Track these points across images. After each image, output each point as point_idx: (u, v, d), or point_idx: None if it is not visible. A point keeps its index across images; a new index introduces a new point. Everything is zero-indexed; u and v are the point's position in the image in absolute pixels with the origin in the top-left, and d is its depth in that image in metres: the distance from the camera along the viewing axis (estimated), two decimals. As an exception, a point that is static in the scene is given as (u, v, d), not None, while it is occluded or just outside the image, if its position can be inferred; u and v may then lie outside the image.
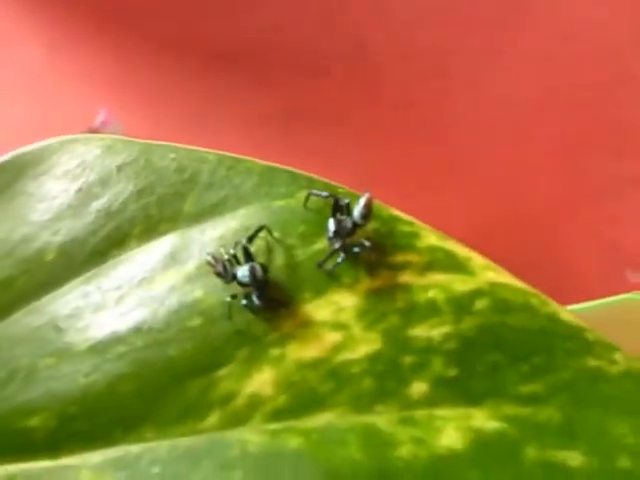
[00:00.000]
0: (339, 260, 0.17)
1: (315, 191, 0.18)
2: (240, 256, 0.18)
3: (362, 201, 0.18)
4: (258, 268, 0.18)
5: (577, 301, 0.42)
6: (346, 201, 0.18)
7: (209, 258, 0.18)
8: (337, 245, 0.17)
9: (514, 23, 0.55)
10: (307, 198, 0.18)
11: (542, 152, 0.48)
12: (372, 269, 0.17)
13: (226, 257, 0.18)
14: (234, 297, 0.17)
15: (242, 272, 0.18)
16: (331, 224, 0.18)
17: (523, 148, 0.49)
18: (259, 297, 0.17)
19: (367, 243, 0.18)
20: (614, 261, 0.44)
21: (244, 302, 0.17)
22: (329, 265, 0.17)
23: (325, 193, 0.18)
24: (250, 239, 0.18)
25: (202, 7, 0.56)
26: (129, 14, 0.55)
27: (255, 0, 0.56)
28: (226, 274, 0.18)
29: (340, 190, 0.19)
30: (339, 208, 0.18)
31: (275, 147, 0.49)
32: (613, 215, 0.46)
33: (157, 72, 0.52)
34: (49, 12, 0.55)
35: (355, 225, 0.18)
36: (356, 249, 0.18)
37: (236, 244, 0.18)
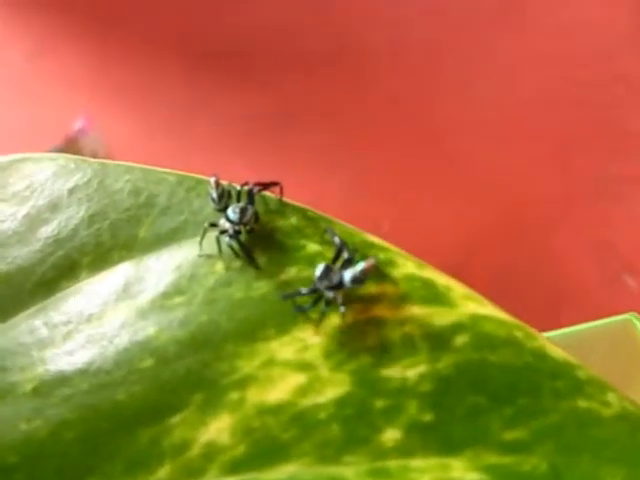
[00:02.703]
0: (307, 306, 0.16)
1: (330, 232, 0.17)
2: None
3: (362, 265, 0.16)
4: (251, 212, 0.17)
5: (572, 304, 0.41)
6: (351, 256, 0.16)
7: (212, 179, 0.17)
8: (317, 287, 0.16)
9: (508, 22, 0.53)
10: (323, 232, 0.17)
11: (536, 152, 0.47)
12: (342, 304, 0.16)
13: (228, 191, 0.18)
14: (213, 225, 0.17)
15: (234, 208, 0.17)
16: (319, 269, 0.16)
17: (517, 147, 0.47)
18: (238, 240, 0.17)
19: (343, 309, 0.16)
20: (609, 262, 0.43)
21: (227, 239, 0.17)
22: (304, 305, 0.16)
23: (337, 239, 0.17)
24: (261, 188, 0.18)
25: (187, 7, 0.54)
26: (113, 17, 0.54)
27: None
28: (219, 201, 0.17)
29: (309, 213, 0.17)
30: (341, 259, 0.16)
31: (265, 146, 0.48)
32: (607, 216, 0.45)
33: (141, 73, 0.51)
34: (31, 16, 0.54)
35: (342, 284, 0.16)
36: (324, 308, 0.16)
37: (244, 184, 0.18)
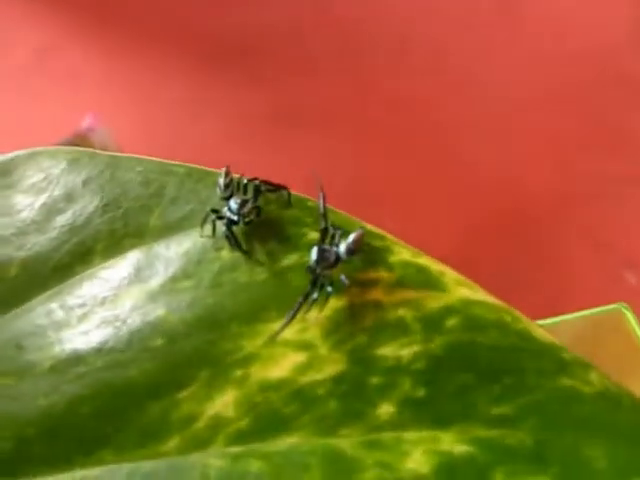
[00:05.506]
0: (314, 296, 0.17)
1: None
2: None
3: (351, 237, 0.17)
4: (251, 205, 0.18)
5: (572, 301, 0.42)
6: (338, 231, 0.18)
7: (224, 169, 0.18)
8: (317, 271, 0.17)
9: (508, 21, 0.54)
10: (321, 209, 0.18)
11: (536, 151, 0.48)
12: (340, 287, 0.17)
13: (236, 182, 0.18)
14: (215, 211, 0.18)
15: (235, 199, 0.18)
16: (314, 253, 0.17)
17: (517, 146, 0.48)
18: (230, 229, 0.17)
19: (345, 281, 0.17)
20: (608, 261, 0.43)
21: (224, 229, 0.17)
22: (308, 301, 0.17)
23: (323, 220, 0.18)
24: (269, 188, 0.18)
25: (193, 7, 0.55)
26: (120, 15, 0.55)
27: None
28: (225, 190, 0.18)
29: (309, 203, 0.18)
30: (327, 236, 0.17)
31: (268, 145, 0.49)
32: (606, 215, 0.45)
33: (148, 72, 0.52)
34: (38, 13, 0.55)
35: (338, 258, 0.17)
36: (329, 288, 0.17)
37: (254, 179, 0.18)
